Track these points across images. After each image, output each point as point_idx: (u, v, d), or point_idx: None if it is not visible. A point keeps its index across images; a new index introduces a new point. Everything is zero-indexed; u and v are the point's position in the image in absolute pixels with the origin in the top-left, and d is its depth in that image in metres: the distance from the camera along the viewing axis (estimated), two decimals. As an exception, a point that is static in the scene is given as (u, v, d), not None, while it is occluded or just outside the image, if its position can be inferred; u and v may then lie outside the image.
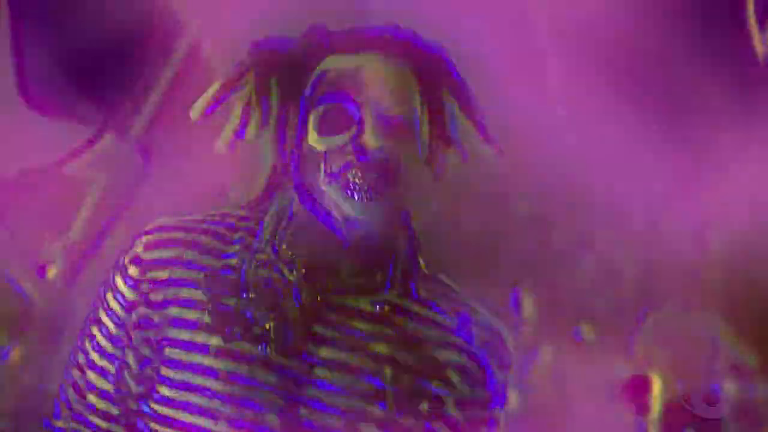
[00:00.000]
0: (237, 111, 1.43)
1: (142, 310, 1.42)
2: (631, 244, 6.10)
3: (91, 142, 2.53)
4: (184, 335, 1.39)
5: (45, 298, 2.38)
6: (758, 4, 3.72)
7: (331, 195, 1.41)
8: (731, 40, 4.31)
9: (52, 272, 2.37)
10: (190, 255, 1.43)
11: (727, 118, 4.09)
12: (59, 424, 1.46)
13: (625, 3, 3.50)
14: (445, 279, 1.50)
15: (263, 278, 1.41)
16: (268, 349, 1.39)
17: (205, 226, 1.44)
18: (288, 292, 1.40)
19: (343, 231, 1.41)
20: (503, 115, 1.54)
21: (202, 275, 1.42)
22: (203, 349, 1.39)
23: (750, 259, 5.56)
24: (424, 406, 1.42)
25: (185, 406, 1.38)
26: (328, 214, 1.41)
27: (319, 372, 1.40)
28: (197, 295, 1.41)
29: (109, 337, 1.43)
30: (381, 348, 1.41)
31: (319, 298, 1.40)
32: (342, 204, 1.40)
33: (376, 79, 1.42)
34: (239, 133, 1.42)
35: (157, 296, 1.41)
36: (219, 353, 1.39)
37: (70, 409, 1.45)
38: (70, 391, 1.45)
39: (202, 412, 1.38)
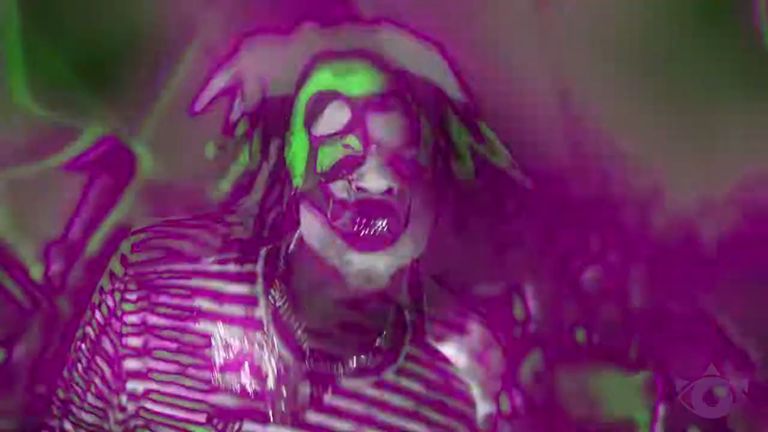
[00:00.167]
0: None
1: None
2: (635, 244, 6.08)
3: (92, 142, 2.53)
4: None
5: (42, 298, 2.38)
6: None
7: (332, 242, 1.30)
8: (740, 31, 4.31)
9: (50, 272, 2.37)
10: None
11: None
12: (54, 423, 1.45)
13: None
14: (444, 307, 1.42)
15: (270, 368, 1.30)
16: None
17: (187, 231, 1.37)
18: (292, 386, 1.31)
19: (346, 282, 1.30)
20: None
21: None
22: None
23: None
24: None
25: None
26: (329, 264, 1.30)
27: None
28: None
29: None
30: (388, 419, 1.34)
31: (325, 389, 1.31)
32: (344, 253, 1.29)
33: (381, 116, 1.30)
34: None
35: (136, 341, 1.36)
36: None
37: (63, 408, 1.44)
38: (62, 392, 1.43)
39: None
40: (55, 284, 2.34)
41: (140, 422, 1.32)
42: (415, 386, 1.38)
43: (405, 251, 1.30)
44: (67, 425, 1.39)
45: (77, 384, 1.39)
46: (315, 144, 1.32)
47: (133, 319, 1.31)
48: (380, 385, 1.34)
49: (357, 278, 1.29)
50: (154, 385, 1.30)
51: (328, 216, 1.30)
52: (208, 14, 2.57)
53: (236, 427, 1.28)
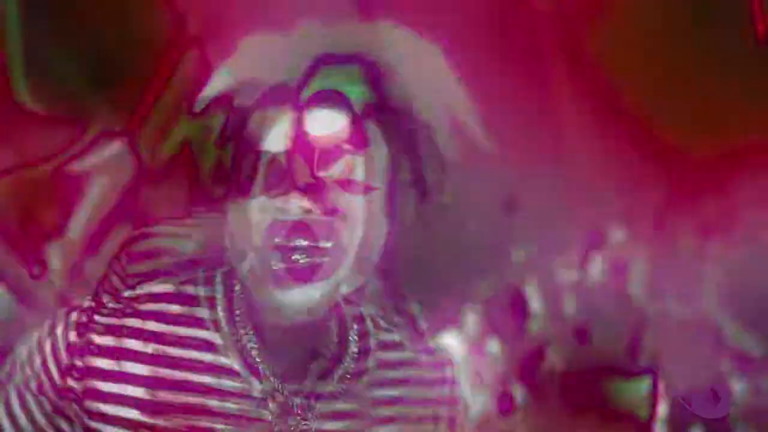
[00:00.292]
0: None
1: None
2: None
3: (93, 142, 2.53)
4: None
5: (42, 298, 2.38)
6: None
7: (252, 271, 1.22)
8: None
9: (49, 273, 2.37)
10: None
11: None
12: None
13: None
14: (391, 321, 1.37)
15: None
16: None
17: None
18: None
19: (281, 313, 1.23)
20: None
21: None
22: None
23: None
24: None
25: None
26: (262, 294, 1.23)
27: None
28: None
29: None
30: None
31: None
32: (270, 284, 1.22)
33: (312, 133, 1.21)
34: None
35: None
36: None
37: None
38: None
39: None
40: (57, 284, 2.34)
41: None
42: (390, 392, 1.36)
43: (341, 280, 1.24)
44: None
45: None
46: (248, 161, 1.26)
47: (100, 340, 1.27)
48: (352, 395, 1.31)
49: (290, 311, 1.23)
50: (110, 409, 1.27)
51: (253, 238, 1.23)
52: (209, 13, 2.57)
53: None
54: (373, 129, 1.25)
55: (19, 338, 1.33)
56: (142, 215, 2.37)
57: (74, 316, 1.27)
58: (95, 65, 2.52)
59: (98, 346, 1.27)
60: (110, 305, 1.29)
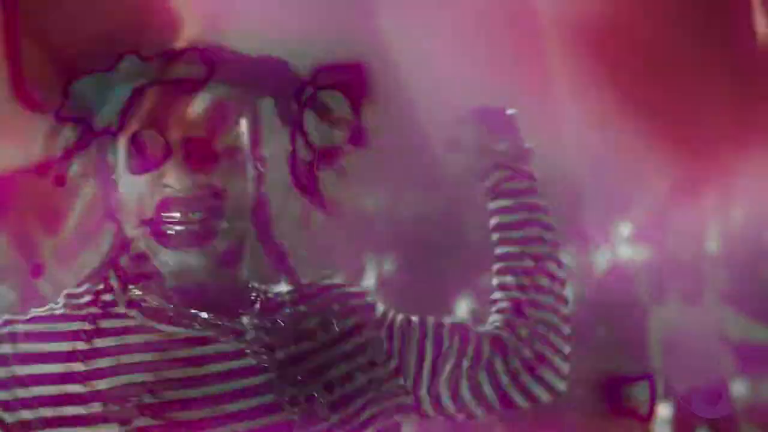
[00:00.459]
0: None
1: None
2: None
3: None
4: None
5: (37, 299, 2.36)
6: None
7: (144, 243, 1.27)
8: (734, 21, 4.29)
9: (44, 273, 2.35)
10: None
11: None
12: None
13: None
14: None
15: None
16: None
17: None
18: None
19: (167, 283, 1.27)
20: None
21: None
22: None
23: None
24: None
25: None
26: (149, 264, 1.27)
27: None
28: None
29: None
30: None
31: None
32: (158, 252, 1.26)
33: (183, 108, 1.25)
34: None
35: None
36: None
37: None
38: None
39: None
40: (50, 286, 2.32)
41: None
42: (313, 307, 1.37)
43: (222, 244, 1.27)
44: None
45: None
46: (119, 140, 1.30)
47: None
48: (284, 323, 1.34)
49: (174, 275, 1.27)
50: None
51: (141, 213, 1.27)
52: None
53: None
54: (249, 100, 1.29)
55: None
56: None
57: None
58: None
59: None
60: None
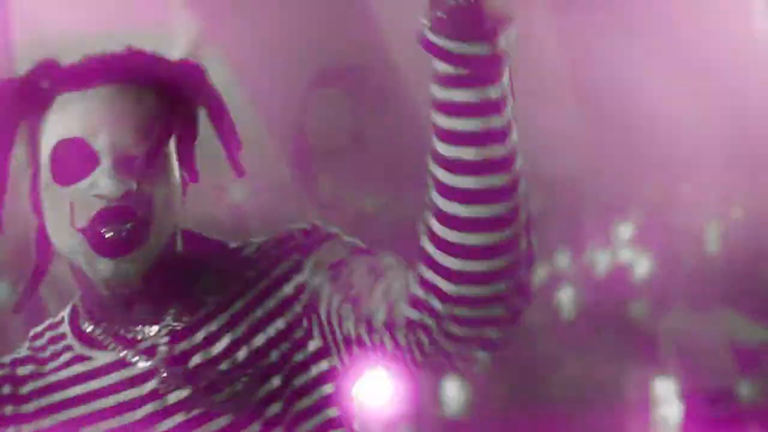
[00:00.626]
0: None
1: None
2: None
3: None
4: None
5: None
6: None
7: (79, 249, 1.26)
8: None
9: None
10: None
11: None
12: None
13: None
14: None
15: None
16: None
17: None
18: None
19: (102, 290, 1.27)
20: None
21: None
22: None
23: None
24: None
25: None
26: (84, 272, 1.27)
27: None
28: None
29: None
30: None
31: None
32: (92, 260, 1.25)
33: (109, 116, 1.24)
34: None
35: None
36: None
37: None
38: None
39: None
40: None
41: None
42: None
43: (154, 248, 1.26)
44: None
45: None
46: (47, 153, 1.28)
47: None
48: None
49: (110, 283, 1.27)
50: None
51: (73, 223, 1.26)
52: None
53: None
54: (182, 107, 1.28)
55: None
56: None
57: None
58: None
59: None
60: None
